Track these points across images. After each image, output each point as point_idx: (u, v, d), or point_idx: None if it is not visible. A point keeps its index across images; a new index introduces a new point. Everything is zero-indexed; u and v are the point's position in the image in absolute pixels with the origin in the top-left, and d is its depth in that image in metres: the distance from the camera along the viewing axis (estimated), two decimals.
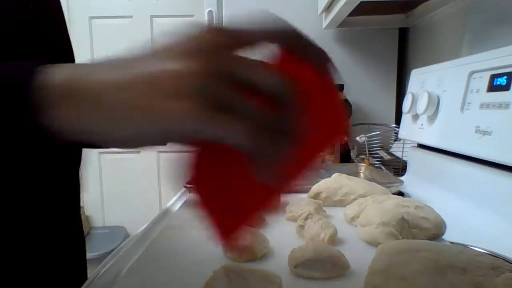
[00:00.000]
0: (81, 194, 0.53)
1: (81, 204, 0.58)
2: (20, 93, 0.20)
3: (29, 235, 0.40)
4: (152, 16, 2.18)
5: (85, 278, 0.51)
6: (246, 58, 0.20)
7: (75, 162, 0.49)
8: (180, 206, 0.66)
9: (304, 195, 0.64)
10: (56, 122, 0.20)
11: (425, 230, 0.44)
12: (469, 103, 0.63)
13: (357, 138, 0.99)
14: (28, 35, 0.41)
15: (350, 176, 0.68)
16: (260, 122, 0.19)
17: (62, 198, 0.46)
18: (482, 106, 0.59)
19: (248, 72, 0.20)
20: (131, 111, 0.20)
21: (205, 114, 0.19)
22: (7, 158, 0.21)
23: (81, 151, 0.50)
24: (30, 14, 0.42)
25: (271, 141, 0.19)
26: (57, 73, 0.21)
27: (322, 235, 0.44)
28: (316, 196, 0.64)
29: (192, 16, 2.14)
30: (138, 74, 0.20)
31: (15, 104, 0.20)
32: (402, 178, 0.79)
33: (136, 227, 0.65)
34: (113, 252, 0.52)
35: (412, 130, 0.85)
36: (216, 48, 0.20)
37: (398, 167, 0.92)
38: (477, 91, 0.61)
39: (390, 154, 0.99)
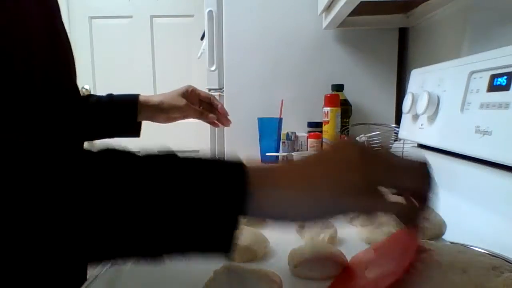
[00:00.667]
0: None
1: None
2: (244, 181, 0.28)
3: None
4: (152, 16, 2.18)
5: (85, 277, 0.52)
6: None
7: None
8: None
9: None
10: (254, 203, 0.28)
11: (425, 230, 0.44)
12: (469, 103, 0.63)
13: (357, 138, 0.99)
14: (37, 36, 0.42)
15: None
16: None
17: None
18: (482, 106, 0.59)
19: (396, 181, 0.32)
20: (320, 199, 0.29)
21: (371, 197, 0.30)
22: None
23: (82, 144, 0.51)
24: (39, 17, 0.43)
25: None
26: (256, 172, 0.29)
27: (322, 235, 0.44)
28: None
29: (192, 16, 2.14)
30: (324, 176, 0.29)
31: (241, 187, 0.28)
32: None
33: None
34: None
35: (412, 130, 0.85)
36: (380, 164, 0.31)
37: None
38: (477, 91, 0.61)
39: None
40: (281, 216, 0.29)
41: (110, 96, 0.72)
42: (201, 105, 0.80)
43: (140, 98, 0.72)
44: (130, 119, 0.71)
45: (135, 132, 0.73)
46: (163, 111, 0.73)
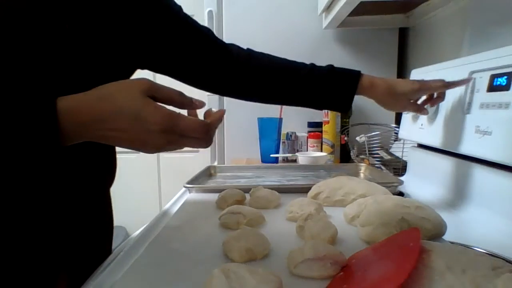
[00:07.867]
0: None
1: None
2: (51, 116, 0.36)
3: (60, 210, 0.49)
4: None
5: (109, 251, 0.60)
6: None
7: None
8: (180, 207, 0.66)
9: (304, 195, 0.64)
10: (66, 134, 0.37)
11: (425, 230, 0.44)
12: (469, 103, 0.63)
13: (357, 138, 0.99)
14: (63, 53, 0.44)
15: (350, 176, 0.68)
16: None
17: (93, 177, 0.57)
18: (482, 106, 0.59)
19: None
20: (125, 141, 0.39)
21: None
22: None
23: None
24: (66, 34, 0.43)
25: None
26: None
27: (322, 236, 0.44)
28: (316, 196, 0.64)
29: (192, 16, 2.15)
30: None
31: (48, 122, 0.36)
32: (402, 178, 0.79)
33: (136, 227, 0.65)
34: (113, 252, 0.52)
35: (412, 130, 0.85)
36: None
37: (398, 167, 0.92)
38: (477, 91, 0.61)
39: (390, 154, 0.99)
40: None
41: (331, 67, 0.74)
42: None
43: (364, 79, 0.69)
44: (347, 96, 0.69)
45: (346, 108, 0.71)
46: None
